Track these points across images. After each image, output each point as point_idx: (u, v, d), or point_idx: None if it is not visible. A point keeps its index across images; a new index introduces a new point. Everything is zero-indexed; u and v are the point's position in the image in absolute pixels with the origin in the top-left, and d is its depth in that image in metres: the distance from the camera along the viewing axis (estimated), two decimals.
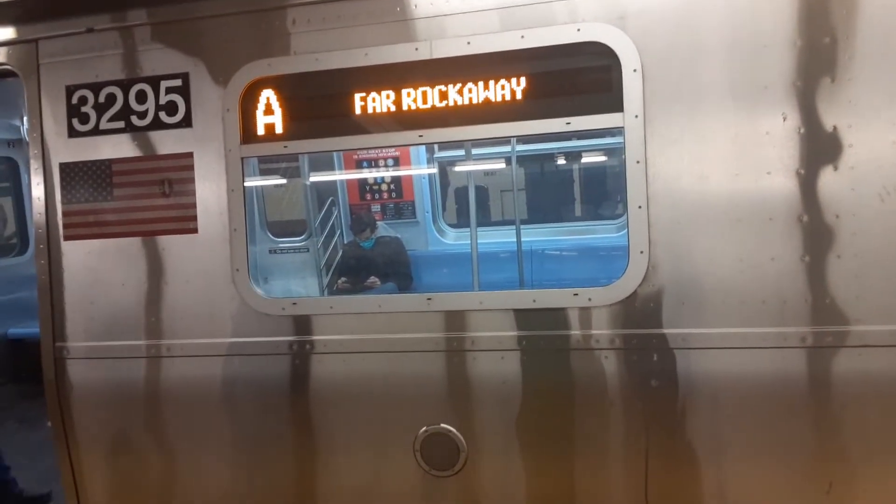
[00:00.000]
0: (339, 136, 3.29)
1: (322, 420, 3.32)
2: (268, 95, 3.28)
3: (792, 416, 2.87)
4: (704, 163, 2.87)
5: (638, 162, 2.91)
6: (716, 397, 2.92)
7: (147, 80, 3.39)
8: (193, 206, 3.37)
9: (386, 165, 7.61)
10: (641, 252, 2.93)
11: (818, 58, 2.75)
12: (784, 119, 2.78)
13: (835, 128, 2.75)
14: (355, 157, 7.64)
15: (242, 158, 3.31)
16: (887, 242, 2.74)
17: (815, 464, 2.87)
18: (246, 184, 3.34)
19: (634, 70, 2.89)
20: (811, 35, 2.75)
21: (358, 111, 3.20)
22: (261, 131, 3.30)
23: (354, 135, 3.27)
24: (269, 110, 3.29)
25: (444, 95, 3.11)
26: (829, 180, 2.76)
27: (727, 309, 2.87)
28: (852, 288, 2.76)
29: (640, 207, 2.92)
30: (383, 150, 7.44)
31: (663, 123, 2.89)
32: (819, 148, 2.76)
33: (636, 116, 2.90)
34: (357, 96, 3.19)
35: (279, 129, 3.29)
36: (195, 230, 3.37)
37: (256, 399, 3.37)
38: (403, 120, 3.17)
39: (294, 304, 3.33)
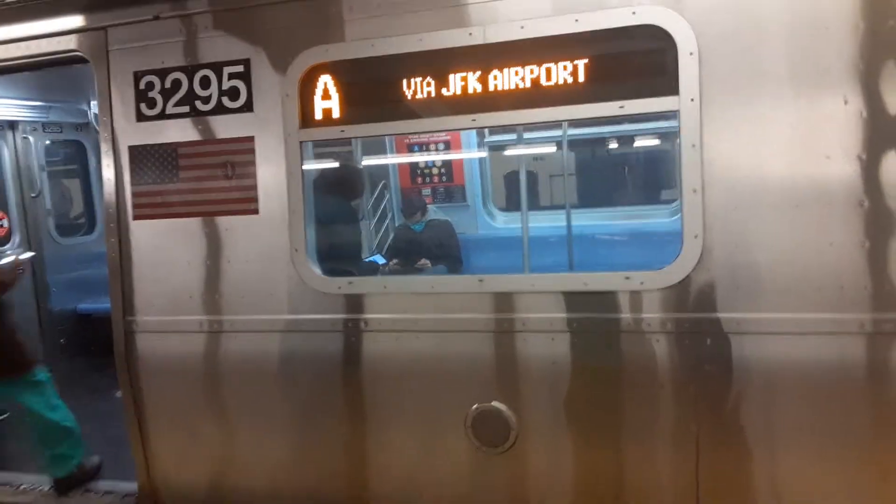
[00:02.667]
0: (394, 120, 3.36)
1: (375, 396, 3.42)
2: (325, 81, 3.37)
3: (849, 403, 2.84)
4: (762, 147, 2.84)
5: (693, 146, 2.90)
6: (770, 383, 2.91)
7: (210, 66, 3.51)
8: (254, 188, 3.49)
9: (437, 150, 7.67)
10: (696, 236, 2.92)
11: (881, 40, 2.68)
12: (845, 102, 2.73)
13: None
14: (407, 141, 7.72)
15: (301, 142, 3.41)
16: None
17: (872, 452, 2.84)
18: (304, 167, 3.45)
19: (691, 53, 2.87)
20: (874, 17, 2.68)
21: (412, 96, 3.25)
22: (318, 116, 3.39)
23: (409, 119, 3.33)
24: (326, 95, 3.37)
25: (497, 80, 3.14)
26: (891, 165, 2.70)
27: (783, 294, 2.85)
28: None
29: (694, 191, 2.91)
30: (434, 135, 7.50)
31: (720, 107, 2.87)
32: (881, 132, 2.71)
33: (692, 100, 2.88)
34: (412, 81, 3.24)
35: (336, 114, 3.37)
36: (256, 211, 3.50)
37: (312, 374, 3.50)
38: (457, 104, 3.21)
39: (350, 283, 3.43)
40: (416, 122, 3.37)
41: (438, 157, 7.68)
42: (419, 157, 7.80)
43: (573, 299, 3.12)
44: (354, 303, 3.40)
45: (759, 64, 2.82)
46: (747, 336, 2.91)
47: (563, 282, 3.18)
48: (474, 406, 3.28)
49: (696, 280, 2.95)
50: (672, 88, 2.91)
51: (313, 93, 3.38)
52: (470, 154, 7.69)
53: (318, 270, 3.45)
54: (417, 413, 3.39)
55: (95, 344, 7.60)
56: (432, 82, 3.22)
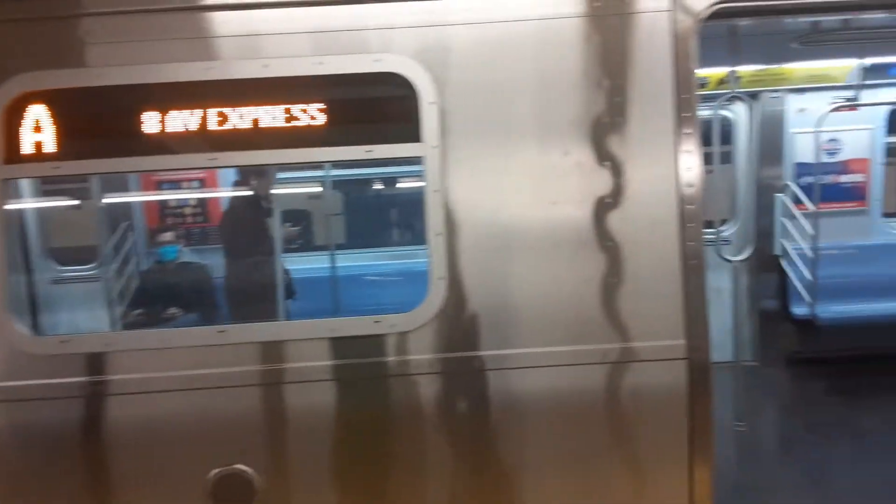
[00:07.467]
0: (123, 156, 3.04)
1: (108, 466, 3.02)
2: (38, 111, 2.95)
3: (594, 427, 3.04)
4: (501, 192, 3.01)
5: (436, 190, 2.99)
6: (523, 413, 3.03)
7: None
8: None
9: (190, 187, 7.19)
10: (440, 278, 2.99)
11: (595, 98, 2.99)
12: (566, 154, 3.00)
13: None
14: (154, 178, 7.13)
15: (4, 180, 2.94)
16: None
17: (615, 471, 3.07)
18: (11, 206, 2.98)
19: (431, 102, 2.97)
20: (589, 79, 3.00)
21: (144, 130, 2.97)
22: (28, 150, 2.95)
23: (140, 156, 3.04)
24: (38, 128, 2.95)
25: (240, 118, 2.98)
26: (602, 210, 2.99)
27: (526, 329, 3.01)
28: (627, 306, 3.02)
29: (438, 234, 2.99)
30: (185, 172, 7.02)
31: (461, 154, 2.99)
32: (595, 180, 2.99)
33: (434, 146, 2.98)
34: (143, 115, 2.96)
35: (50, 148, 2.96)
36: None
37: (32, 445, 3.01)
38: (195, 142, 2.99)
39: (63, 342, 2.99)
40: (148, 159, 3.07)
41: (191, 196, 7.21)
42: (167, 195, 7.25)
43: (322, 346, 3.02)
44: (74, 364, 2.96)
45: (498, 116, 3.00)
46: (497, 371, 3.02)
47: (311, 329, 3.07)
48: (214, 471, 3.01)
49: (444, 320, 3.01)
50: (416, 135, 2.99)
51: (22, 123, 2.94)
52: (225, 193, 7.32)
53: (23, 328, 2.96)
54: (153, 483, 3.03)
55: None
56: (166, 117, 2.97)
